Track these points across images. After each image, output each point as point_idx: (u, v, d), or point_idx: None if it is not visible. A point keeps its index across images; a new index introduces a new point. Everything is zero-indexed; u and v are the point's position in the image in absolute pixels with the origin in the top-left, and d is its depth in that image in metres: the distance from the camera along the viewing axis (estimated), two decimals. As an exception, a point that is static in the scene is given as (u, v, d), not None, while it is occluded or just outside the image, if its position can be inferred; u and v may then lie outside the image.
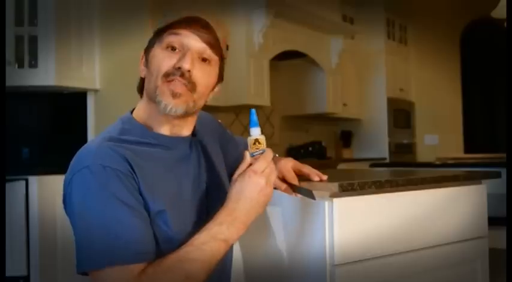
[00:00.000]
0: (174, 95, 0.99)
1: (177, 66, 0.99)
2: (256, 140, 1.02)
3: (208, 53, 1.03)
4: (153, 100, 1.01)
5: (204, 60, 1.03)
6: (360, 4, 5.61)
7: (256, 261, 1.38)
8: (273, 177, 1.00)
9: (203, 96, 1.05)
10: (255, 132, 1.03)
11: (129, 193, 0.93)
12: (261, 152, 1.01)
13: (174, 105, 0.99)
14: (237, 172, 1.00)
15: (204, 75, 1.02)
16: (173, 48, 1.01)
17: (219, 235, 0.93)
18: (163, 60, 1.00)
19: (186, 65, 0.99)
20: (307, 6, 4.53)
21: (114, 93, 3.46)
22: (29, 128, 3.49)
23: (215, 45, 1.03)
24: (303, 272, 1.25)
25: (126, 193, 0.92)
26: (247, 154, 1.01)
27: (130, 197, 0.93)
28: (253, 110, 1.04)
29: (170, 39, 1.01)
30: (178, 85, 0.99)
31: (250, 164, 0.99)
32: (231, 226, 0.94)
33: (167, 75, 0.99)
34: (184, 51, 1.00)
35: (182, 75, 0.99)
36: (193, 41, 1.01)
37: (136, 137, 1.02)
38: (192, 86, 1.00)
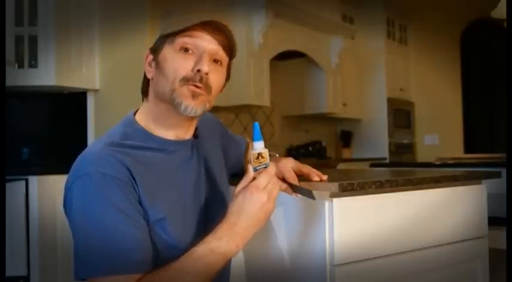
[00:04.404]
0: (194, 96, 0.99)
1: (196, 69, 0.99)
2: (260, 154, 1.01)
3: (221, 54, 1.03)
4: (168, 101, 1.01)
5: (215, 61, 1.03)
6: (360, 4, 5.61)
7: (256, 261, 1.38)
8: (275, 193, 0.99)
9: (215, 97, 1.05)
10: (259, 146, 1.02)
11: (129, 202, 0.93)
12: (264, 166, 1.00)
13: (194, 106, 1.00)
14: (239, 186, 0.99)
15: (217, 77, 1.03)
16: (186, 50, 1.00)
17: (217, 249, 0.93)
18: (180, 63, 1.00)
19: (205, 68, 0.99)
20: (307, 6, 4.53)
21: (114, 93, 3.46)
22: (29, 128, 3.49)
23: (227, 46, 1.04)
24: (303, 272, 1.25)
25: (125, 202, 0.92)
26: (250, 168, 1.00)
27: (129, 206, 0.93)
28: (257, 124, 1.04)
29: (184, 40, 1.00)
30: (197, 87, 0.99)
31: (254, 178, 0.98)
32: (230, 241, 0.94)
33: (187, 80, 0.99)
34: (199, 53, 1.00)
35: (200, 79, 0.99)
36: (207, 43, 1.01)
37: (138, 142, 1.01)
38: (208, 88, 1.01)
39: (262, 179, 0.97)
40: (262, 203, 0.95)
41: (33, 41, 3.25)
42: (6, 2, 3.07)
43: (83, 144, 3.47)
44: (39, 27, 3.26)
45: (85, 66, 3.46)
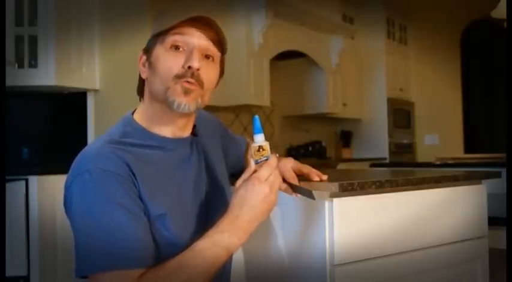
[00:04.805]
0: (186, 93, 0.99)
1: (186, 65, 0.99)
2: (260, 147, 1.01)
3: (212, 49, 1.03)
4: (162, 101, 1.01)
5: (207, 57, 1.03)
6: (360, 4, 5.61)
7: (256, 261, 1.38)
8: (277, 185, 0.98)
9: (208, 92, 1.05)
10: (259, 138, 1.02)
11: (129, 197, 0.93)
12: (265, 158, 1.00)
13: (187, 103, 1.00)
14: (241, 179, 0.99)
15: (209, 73, 1.03)
16: (177, 47, 1.01)
17: (220, 243, 0.92)
18: (171, 61, 1.00)
19: (195, 64, 0.99)
20: (307, 6, 4.53)
21: (114, 93, 3.46)
22: (29, 128, 3.49)
23: (218, 41, 1.04)
24: (303, 272, 1.25)
25: (126, 198, 0.92)
26: (251, 161, 1.00)
27: (130, 202, 0.93)
28: (257, 117, 1.04)
29: (174, 38, 1.00)
30: (189, 83, 1.00)
31: (255, 171, 0.98)
32: (233, 234, 0.93)
33: (179, 77, 0.99)
34: (189, 49, 1.00)
35: (192, 74, 0.99)
36: (197, 39, 1.01)
37: (137, 140, 1.02)
38: (200, 83, 1.01)
39: (264, 171, 0.96)
40: (265, 195, 0.95)
41: (33, 41, 3.25)
42: (6, 2, 3.06)
43: (83, 144, 3.45)
44: (39, 27, 3.25)
45: (85, 66, 3.46)
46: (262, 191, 0.95)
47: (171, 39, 1.00)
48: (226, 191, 1.16)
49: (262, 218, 0.96)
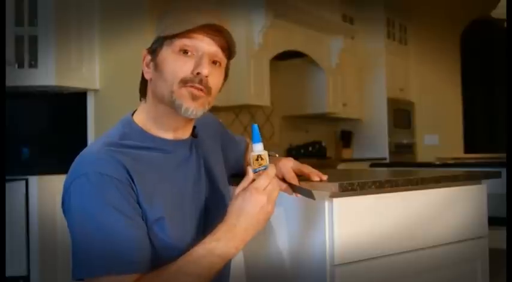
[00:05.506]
0: (194, 98, 0.99)
1: (195, 72, 0.99)
2: (259, 156, 1.01)
3: (220, 56, 1.03)
4: (167, 103, 1.01)
5: (214, 62, 1.03)
6: (360, 4, 5.61)
7: (256, 261, 1.38)
8: (275, 195, 0.99)
9: (214, 97, 1.05)
10: (258, 148, 1.02)
11: (126, 202, 0.93)
12: (263, 168, 1.00)
13: (194, 108, 1.00)
14: (239, 187, 0.99)
15: (216, 78, 1.03)
16: (185, 52, 1.00)
17: (216, 250, 0.92)
18: (179, 65, 0.99)
19: (205, 71, 0.99)
20: (307, 7, 4.53)
21: (114, 93, 3.46)
22: (29, 128, 3.49)
23: (226, 48, 1.04)
24: (303, 272, 1.25)
25: (123, 202, 0.92)
26: (250, 170, 1.00)
27: (127, 206, 0.93)
28: (256, 126, 1.04)
29: (183, 42, 0.99)
30: (197, 89, 0.99)
31: (253, 180, 0.98)
32: (229, 242, 0.94)
33: (185, 82, 0.99)
34: (199, 55, 1.00)
35: (200, 81, 0.99)
36: (206, 45, 1.00)
37: (136, 142, 1.01)
38: (208, 90, 1.01)
39: (262, 181, 0.97)
40: (262, 205, 0.95)
41: (33, 41, 3.25)
42: (6, 2, 3.06)
43: (83, 144, 3.47)
44: (39, 27, 3.26)
45: (85, 66, 3.46)
46: (260, 201, 0.95)
47: (180, 42, 1.00)
48: (226, 193, 1.16)
49: (259, 227, 0.97)
